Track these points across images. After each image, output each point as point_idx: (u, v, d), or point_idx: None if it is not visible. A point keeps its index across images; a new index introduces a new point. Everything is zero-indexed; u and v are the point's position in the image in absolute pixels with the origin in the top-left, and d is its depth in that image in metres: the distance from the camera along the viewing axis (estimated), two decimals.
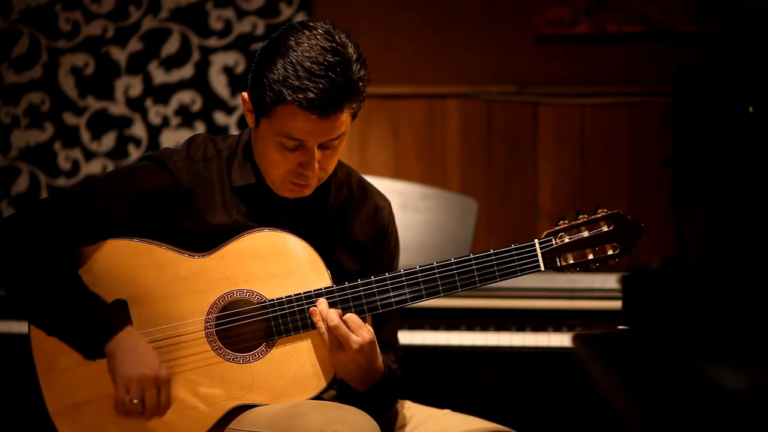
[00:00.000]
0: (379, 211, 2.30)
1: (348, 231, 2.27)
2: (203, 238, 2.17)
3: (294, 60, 2.04)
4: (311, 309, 2.12)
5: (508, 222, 3.84)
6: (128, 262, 2.13)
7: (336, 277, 2.17)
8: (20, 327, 3.04)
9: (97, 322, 2.07)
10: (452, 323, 2.99)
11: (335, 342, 2.10)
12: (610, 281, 2.90)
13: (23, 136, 3.97)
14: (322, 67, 2.03)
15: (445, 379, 3.07)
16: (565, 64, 3.84)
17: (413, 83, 3.89)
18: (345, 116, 2.08)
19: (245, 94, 2.15)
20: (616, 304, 2.81)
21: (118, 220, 2.14)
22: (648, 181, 3.76)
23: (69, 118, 3.98)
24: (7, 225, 2.13)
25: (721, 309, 1.34)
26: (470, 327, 2.99)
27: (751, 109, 2.56)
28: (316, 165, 2.09)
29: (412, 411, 2.31)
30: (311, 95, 2.02)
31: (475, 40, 3.88)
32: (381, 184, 2.44)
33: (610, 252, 2.16)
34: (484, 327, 2.98)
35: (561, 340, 2.86)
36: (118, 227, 2.14)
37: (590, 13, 3.78)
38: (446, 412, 2.30)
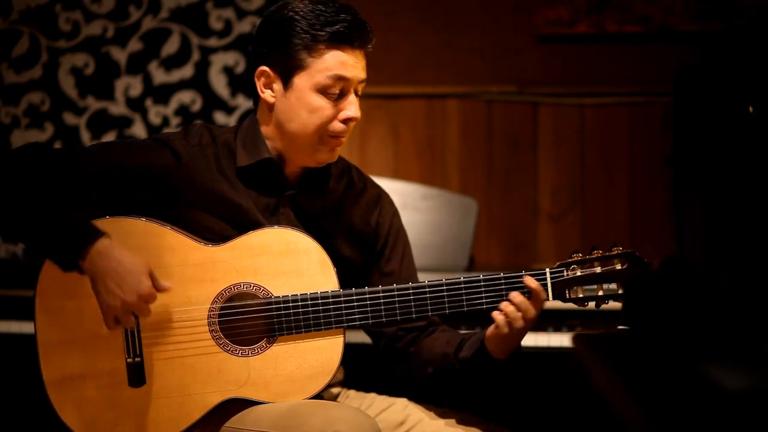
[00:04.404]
0: (380, 199, 2.36)
1: (349, 220, 2.31)
2: (205, 219, 2.19)
3: (309, 10, 2.16)
4: (504, 305, 2.13)
5: (508, 222, 3.84)
6: (142, 243, 2.14)
7: (336, 265, 2.19)
8: (20, 327, 3.04)
9: (71, 235, 2.07)
10: (452, 323, 2.99)
11: (516, 330, 2.14)
12: None
13: (23, 136, 3.97)
14: (337, 8, 2.17)
15: None
16: (565, 64, 3.84)
17: (413, 83, 3.89)
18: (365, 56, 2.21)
19: (263, 68, 2.20)
20: (616, 304, 2.81)
21: (116, 179, 2.16)
22: (648, 181, 3.76)
23: (69, 118, 3.97)
24: (11, 151, 2.16)
25: (721, 309, 1.34)
26: (470, 327, 2.99)
27: (751, 109, 2.56)
28: (357, 108, 2.19)
29: (410, 410, 2.31)
30: (346, 25, 2.15)
31: (475, 40, 3.87)
32: (381, 184, 2.45)
33: (620, 291, 2.16)
34: (485, 327, 2.98)
35: (561, 340, 2.85)
36: (113, 188, 2.16)
37: (590, 13, 3.78)
38: (444, 411, 2.31)
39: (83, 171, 2.15)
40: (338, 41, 2.15)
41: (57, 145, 3.96)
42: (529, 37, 3.84)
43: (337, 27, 2.14)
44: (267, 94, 2.21)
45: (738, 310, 1.34)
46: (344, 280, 2.19)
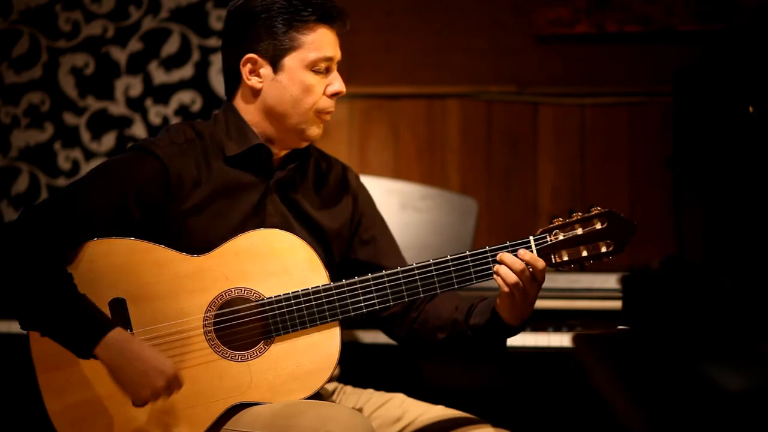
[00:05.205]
0: (347, 172, 2.41)
1: (326, 195, 2.35)
2: (198, 218, 2.20)
3: None
4: (496, 268, 2.13)
5: (508, 222, 3.84)
6: (128, 261, 2.14)
7: (326, 239, 2.25)
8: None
9: (85, 325, 2.07)
10: None
11: (519, 293, 2.13)
12: (610, 281, 2.90)
13: (23, 136, 3.97)
14: None
15: (445, 378, 3.07)
16: (565, 64, 3.83)
17: (413, 83, 3.89)
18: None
19: (249, 55, 2.24)
20: (616, 304, 2.81)
21: (116, 212, 2.16)
22: (648, 181, 3.76)
23: (69, 118, 3.98)
24: (3, 232, 2.15)
25: (721, 309, 1.34)
26: None
27: (751, 109, 2.56)
28: (342, 83, 2.27)
29: (406, 406, 2.32)
30: (330, 5, 2.23)
31: (475, 40, 3.87)
32: (381, 184, 2.46)
33: (603, 249, 2.17)
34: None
35: (561, 340, 2.85)
36: (116, 220, 2.16)
37: (590, 13, 3.78)
38: (440, 408, 2.31)
39: (83, 221, 2.15)
40: (325, 20, 2.23)
41: (57, 145, 3.96)
42: (529, 37, 3.84)
43: (325, 10, 2.22)
44: (254, 81, 2.25)
45: (738, 310, 1.34)
46: (336, 254, 2.27)
